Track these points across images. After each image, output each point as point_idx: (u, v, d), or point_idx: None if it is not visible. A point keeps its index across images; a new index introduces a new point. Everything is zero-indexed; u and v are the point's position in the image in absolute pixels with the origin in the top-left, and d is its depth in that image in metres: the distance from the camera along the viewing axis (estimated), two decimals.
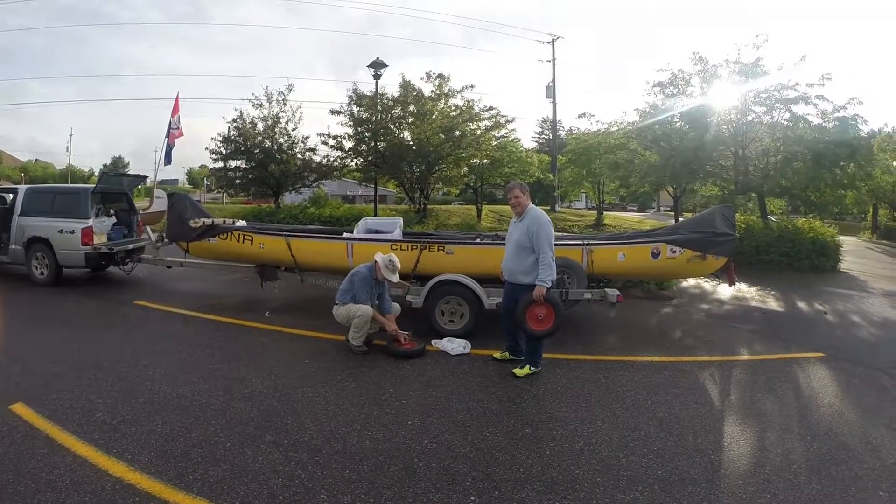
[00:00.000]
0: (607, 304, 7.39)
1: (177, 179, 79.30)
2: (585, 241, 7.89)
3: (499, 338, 6.76)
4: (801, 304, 10.47)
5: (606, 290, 7.33)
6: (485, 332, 7.03)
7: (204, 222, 8.38)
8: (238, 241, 8.30)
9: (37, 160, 78.15)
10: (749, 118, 16.74)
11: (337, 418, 4.53)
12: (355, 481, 3.57)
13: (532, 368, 5.69)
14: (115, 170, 61.18)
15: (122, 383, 5.20)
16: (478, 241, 8.27)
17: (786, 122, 16.26)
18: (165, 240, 9.41)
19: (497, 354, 6.20)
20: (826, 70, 15.52)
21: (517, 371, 5.68)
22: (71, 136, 60.39)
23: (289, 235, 8.26)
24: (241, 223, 9.17)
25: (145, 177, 14.23)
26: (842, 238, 17.00)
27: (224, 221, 8.84)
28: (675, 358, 6.66)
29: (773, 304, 10.42)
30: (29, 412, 4.51)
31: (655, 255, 7.44)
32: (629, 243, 7.85)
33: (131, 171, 61.74)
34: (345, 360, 6.09)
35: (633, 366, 6.31)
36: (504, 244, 7.78)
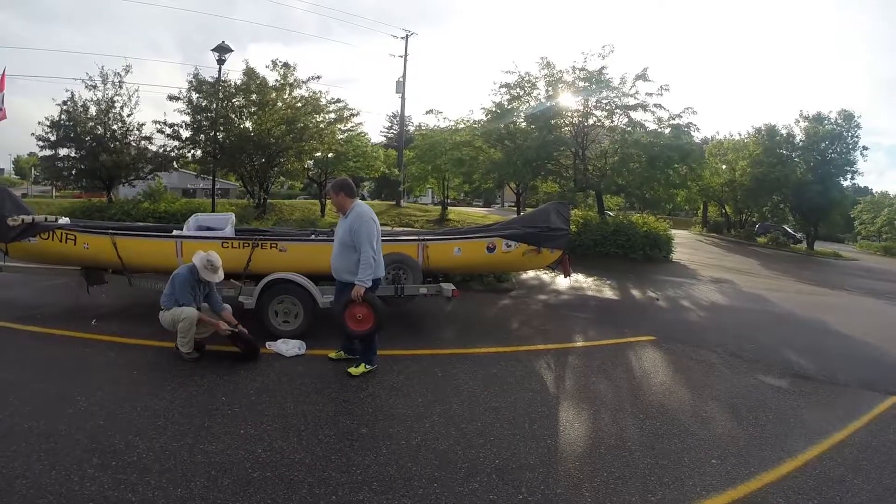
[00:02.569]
0: (443, 299, 7.55)
1: (2, 169, 69.95)
2: (421, 237, 8.07)
3: (335, 336, 6.80)
4: (635, 292, 11.43)
5: (442, 284, 7.53)
6: (321, 331, 7.02)
7: (23, 220, 7.52)
8: (61, 241, 7.56)
9: None
10: (590, 121, 17.99)
11: (167, 433, 4.42)
12: (188, 499, 3.54)
13: (367, 367, 5.75)
14: None
15: None
16: (312, 237, 8.20)
17: (624, 127, 17.59)
18: None
19: (332, 354, 6.20)
20: (665, 81, 17.11)
21: (352, 370, 5.72)
22: None
23: (114, 234, 7.68)
24: (64, 221, 8.35)
25: None
26: (674, 232, 18.71)
27: (45, 219, 8.00)
28: (511, 348, 7.03)
29: (608, 293, 11.26)
30: None
31: (491, 249, 7.68)
32: (464, 238, 8.09)
33: None
34: (175, 368, 5.86)
35: (470, 358, 6.55)
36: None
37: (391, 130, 60.38)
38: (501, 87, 18.94)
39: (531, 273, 11.99)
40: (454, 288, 7.47)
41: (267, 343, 6.54)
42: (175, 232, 8.17)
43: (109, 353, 6.40)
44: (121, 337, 6.91)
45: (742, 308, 10.62)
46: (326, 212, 23.79)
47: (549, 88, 18.16)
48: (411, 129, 36.13)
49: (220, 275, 6.30)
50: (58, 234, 7.58)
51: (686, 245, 21.60)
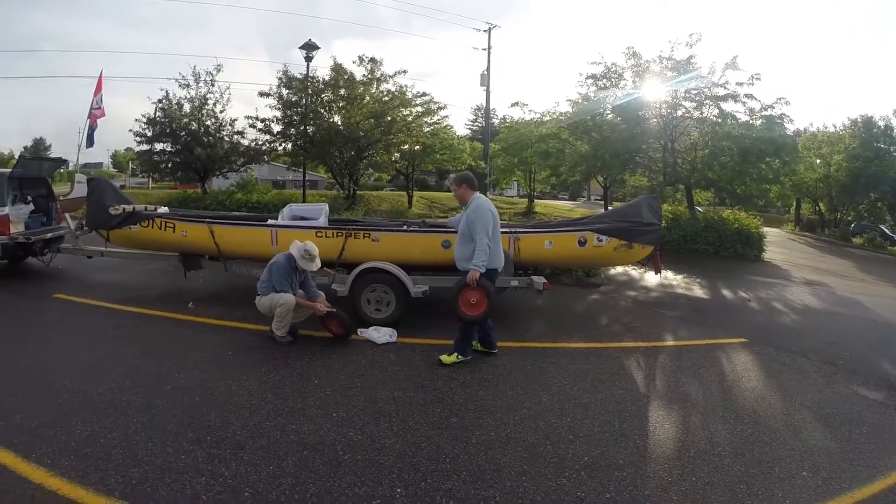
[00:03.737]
0: (534, 292, 7.46)
1: (101, 163, 75.02)
2: (512, 230, 7.97)
3: (426, 325, 6.89)
4: (726, 292, 10.91)
5: (533, 277, 7.44)
6: (412, 320, 7.06)
7: (125, 209, 7.98)
8: (160, 229, 7.95)
9: None
10: (679, 113, 17.26)
11: (261, 412, 4.49)
12: (280, 477, 3.55)
13: (459, 357, 5.75)
14: (36, 152, 57.48)
15: (41, 383, 4.98)
16: (404, 228, 8.25)
17: (714, 118, 16.81)
18: (85, 228, 8.94)
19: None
20: (756, 70, 16.31)
21: (444, 358, 5.73)
22: None
23: (212, 222, 8.00)
24: (164, 210, 8.83)
25: (65, 160, 13.42)
26: (766, 229, 17.80)
27: (145, 208, 8.47)
28: (601, 344, 6.85)
29: (698, 291, 10.81)
30: None
31: (582, 243, 7.51)
32: (556, 231, 7.93)
33: (54, 153, 57.97)
34: (269, 351, 6.02)
35: (560, 353, 6.43)
36: (429, 232, 7.81)
37: (475, 123, 60.47)
38: (588, 78, 18.47)
39: (620, 269, 11.72)
40: (545, 281, 7.37)
41: (359, 330, 6.61)
42: (270, 221, 8.39)
43: (206, 334, 6.65)
44: (216, 319, 7.17)
45: (837, 313, 9.85)
46: (413, 203, 24.04)
47: (636, 79, 17.58)
48: (495, 121, 35.99)
49: (317, 263, 6.47)
50: (157, 222, 7.98)
51: (777, 244, 20.34)
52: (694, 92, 16.86)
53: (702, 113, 17.15)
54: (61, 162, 12.76)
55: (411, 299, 7.01)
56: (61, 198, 11.19)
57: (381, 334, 6.48)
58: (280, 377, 5.28)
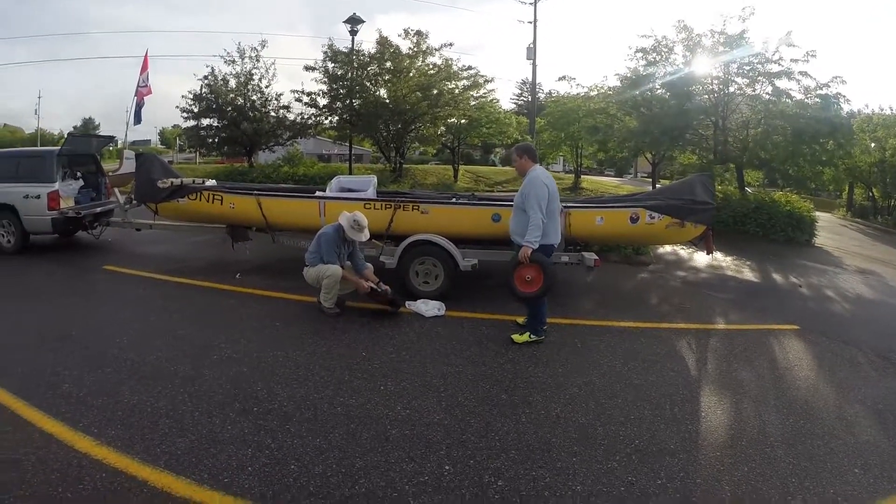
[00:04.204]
0: (584, 268, 7.24)
1: (149, 140, 76.70)
2: (564, 205, 7.73)
3: (474, 299, 6.73)
4: (776, 276, 10.44)
5: (583, 253, 7.23)
6: (460, 294, 6.92)
7: (172, 182, 8.03)
8: (207, 202, 7.95)
9: (4, 125, 75.41)
10: (731, 89, 16.57)
11: (307, 384, 4.41)
12: (326, 450, 3.46)
13: (533, 336, 5.56)
14: (85, 131, 59.31)
15: (89, 353, 5.02)
16: (453, 200, 8.07)
17: (767, 96, 16.08)
18: (134, 202, 9.05)
19: (520, 320, 6.02)
20: (811, 47, 15.44)
21: (515, 337, 5.57)
22: (39, 98, 57.99)
23: (259, 194, 7.96)
24: (211, 183, 8.84)
25: (114, 137, 13.70)
26: (817, 214, 17.06)
27: (193, 181, 8.51)
28: (651, 324, 6.60)
29: (748, 274, 10.38)
30: None
31: (634, 220, 7.28)
32: (608, 207, 7.70)
33: (102, 132, 59.47)
34: (316, 322, 5.95)
35: (610, 331, 6.22)
36: (479, 205, 7.61)
37: (521, 98, 59.48)
38: (637, 51, 17.75)
39: (669, 248, 11.32)
40: (596, 258, 7.15)
41: (407, 302, 6.50)
42: (318, 193, 8.31)
43: (253, 304, 6.63)
44: (263, 290, 7.16)
45: (890, 304, 9.27)
46: (459, 176, 23.85)
47: (687, 53, 16.84)
48: (541, 96, 35.24)
49: (366, 234, 6.38)
50: (205, 195, 7.98)
51: (829, 229, 19.30)
52: (747, 68, 16.11)
53: (754, 90, 16.37)
54: (110, 139, 13.00)
55: (460, 273, 6.86)
56: (110, 173, 11.40)
57: (430, 307, 6.35)
58: (327, 348, 5.20)
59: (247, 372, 4.60)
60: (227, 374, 4.55)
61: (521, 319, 6.00)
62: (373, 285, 6.19)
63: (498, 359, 5.12)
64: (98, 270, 8.45)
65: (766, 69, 15.67)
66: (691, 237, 7.63)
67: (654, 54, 17.38)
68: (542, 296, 5.53)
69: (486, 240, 7.25)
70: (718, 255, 11.30)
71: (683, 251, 11.36)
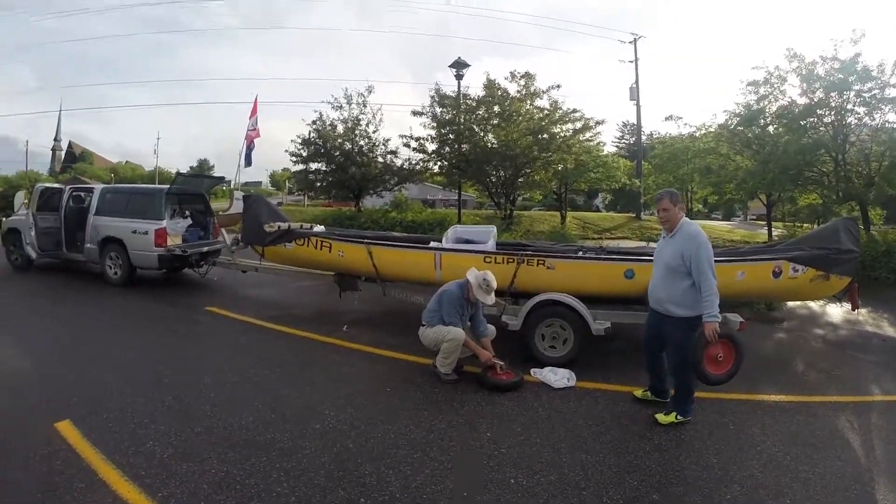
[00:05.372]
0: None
1: (260, 182, 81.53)
2: None
3: (604, 366, 5.98)
4: None
5: (727, 314, 6.26)
6: (590, 360, 6.13)
7: (279, 227, 7.86)
8: (315, 248, 7.69)
9: (126, 162, 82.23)
10: (849, 120, 15.30)
11: (424, 471, 3.73)
12: None
13: (680, 417, 4.74)
14: (199, 171, 63.36)
15: (180, 406, 4.71)
16: (580, 254, 7.37)
17: (891, 125, 14.83)
18: (241, 243, 8.95)
19: (638, 392, 5.29)
20: None
21: (660, 418, 4.76)
22: (158, 139, 63.45)
23: (370, 243, 7.56)
24: (319, 228, 8.62)
25: (223, 178, 14.17)
26: None
27: (301, 226, 8.32)
28: (804, 398, 5.61)
29: (889, 329, 9.02)
30: (74, 433, 4.14)
31: (777, 274, 6.45)
32: (748, 261, 6.82)
33: (216, 172, 63.51)
34: (432, 390, 5.29)
35: (762, 407, 5.29)
36: (610, 260, 6.84)
37: (622, 140, 58.28)
38: (748, 85, 16.85)
39: (799, 301, 9.96)
40: (742, 320, 6.29)
41: (532, 370, 5.78)
42: (433, 244, 7.83)
43: (361, 363, 6.11)
44: (373, 347, 6.64)
45: None
46: (567, 223, 23.20)
47: (804, 83, 15.68)
48: (645, 137, 34.12)
49: (493, 298, 5.80)
50: (313, 241, 7.73)
51: None
52: (866, 95, 14.78)
53: (873, 119, 15.11)
54: (219, 179, 13.45)
55: (591, 336, 6.07)
56: (220, 213, 11.61)
57: (559, 377, 5.59)
58: (445, 425, 4.51)
59: (353, 449, 4.00)
60: (330, 450, 3.97)
61: (639, 392, 5.29)
62: (496, 360, 5.53)
63: (642, 445, 4.30)
64: (200, 311, 8.40)
65: (884, 94, 14.37)
66: (835, 291, 6.89)
67: (767, 86, 16.50)
68: (733, 375, 5.06)
69: (617, 299, 6.53)
70: (849, 306, 10.06)
71: (814, 304, 10.13)
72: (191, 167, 74.69)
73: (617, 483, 3.72)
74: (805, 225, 18.80)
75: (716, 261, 6.71)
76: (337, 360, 6.16)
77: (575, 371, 5.73)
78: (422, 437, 4.23)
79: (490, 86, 19.75)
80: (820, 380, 6.29)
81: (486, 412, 4.79)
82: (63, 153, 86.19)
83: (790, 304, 9.95)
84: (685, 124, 20.86)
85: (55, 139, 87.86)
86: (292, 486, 3.46)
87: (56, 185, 12.63)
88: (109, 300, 9.06)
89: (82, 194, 11.39)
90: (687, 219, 4.84)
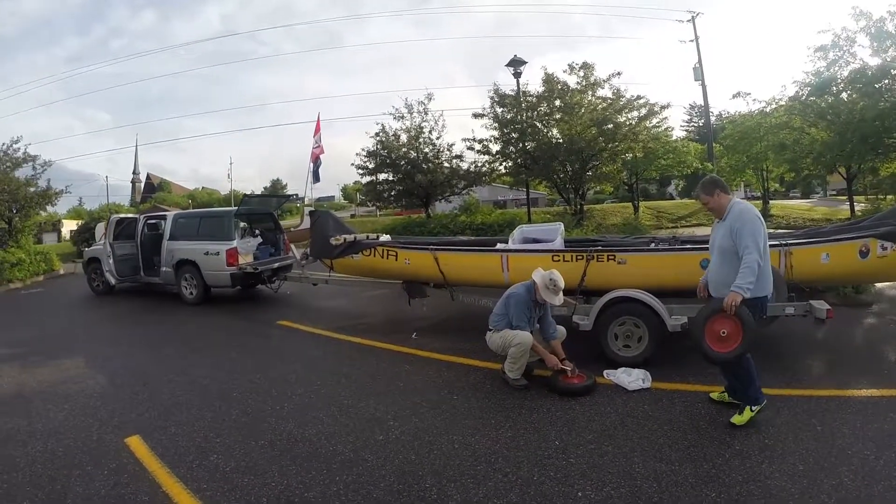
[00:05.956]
0: (811, 321, 5.85)
1: (333, 196, 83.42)
2: (782, 241, 6.34)
3: (681, 365, 5.60)
4: None
5: (812, 303, 5.76)
6: (665, 358, 5.76)
7: (345, 239, 7.94)
8: (382, 257, 7.72)
9: (203, 188, 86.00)
10: None
11: (487, 483, 3.53)
12: None
13: (753, 409, 4.36)
14: (273, 191, 65.43)
15: (246, 419, 4.75)
16: (652, 246, 7.02)
17: None
18: (310, 257, 9.14)
19: (714, 394, 4.91)
20: None
21: (736, 419, 4.36)
22: (231, 163, 65.42)
23: (436, 249, 7.48)
24: (385, 238, 8.61)
25: (291, 195, 14.63)
26: None
27: (367, 237, 8.37)
28: None
29: None
30: (142, 448, 4.27)
31: (864, 253, 5.90)
32: (832, 241, 6.29)
33: (289, 190, 65.42)
34: (500, 396, 5.09)
35: (851, 404, 4.76)
36: (684, 250, 6.46)
37: (690, 123, 56.00)
38: (816, 51, 15.89)
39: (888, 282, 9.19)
40: (829, 307, 5.66)
41: (605, 372, 5.47)
42: (499, 245, 7.66)
43: (429, 371, 5.97)
44: (441, 354, 6.50)
45: None
46: (640, 213, 22.70)
47: (874, 42, 14.65)
48: (712, 118, 32.69)
49: (561, 298, 5.51)
50: (379, 250, 7.76)
51: None
52: None
53: None
54: (287, 197, 13.92)
55: (667, 334, 5.71)
56: (292, 229, 11.90)
57: (633, 378, 5.26)
58: (512, 433, 4.30)
59: (415, 461, 3.86)
60: (392, 462, 3.85)
61: (715, 394, 4.89)
62: (566, 364, 5.27)
63: (722, 451, 3.92)
64: (272, 325, 8.56)
65: None
66: None
67: (836, 50, 15.58)
68: (737, 359, 4.35)
69: (694, 291, 6.08)
70: None
71: None
72: (264, 187, 77.64)
73: (693, 496, 3.39)
74: (889, 196, 17.66)
75: (796, 243, 6.29)
76: (405, 369, 6.06)
77: (650, 371, 5.39)
78: (487, 447, 4.04)
79: (549, 80, 19.37)
80: None
81: (556, 419, 4.55)
82: (143, 185, 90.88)
83: (879, 284, 9.14)
84: (754, 100, 20.01)
85: (133, 172, 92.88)
86: (350, 499, 3.38)
87: (130, 215, 13.39)
88: (186, 319, 9.39)
89: (157, 221, 11.95)
90: (737, 199, 4.49)
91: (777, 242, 6.32)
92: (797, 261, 6.02)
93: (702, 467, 3.73)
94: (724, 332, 4.31)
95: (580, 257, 6.40)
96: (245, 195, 14.13)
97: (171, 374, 6.18)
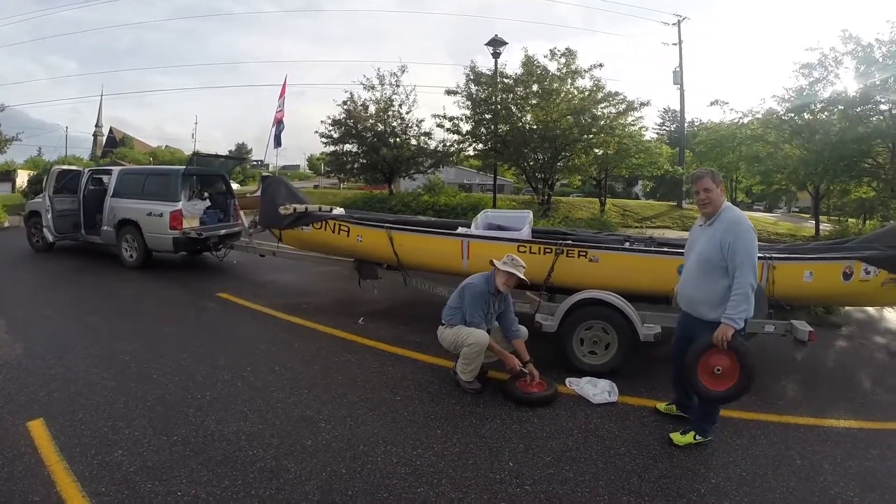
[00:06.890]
0: (791, 342, 5.49)
1: (298, 165, 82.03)
2: (766, 254, 5.99)
3: (651, 378, 5.24)
4: None
5: (794, 322, 5.48)
6: (635, 369, 5.39)
7: (295, 209, 7.33)
8: (333, 232, 7.12)
9: (167, 146, 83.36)
10: None
11: None
12: None
13: (698, 438, 4.03)
14: (238, 155, 64.18)
15: (162, 408, 4.23)
16: (627, 245, 6.63)
17: None
18: (258, 226, 8.45)
19: (661, 406, 4.58)
20: None
21: (676, 437, 4.04)
22: (196, 123, 63.53)
23: (391, 228, 6.92)
24: (339, 211, 8.06)
25: (244, 159, 13.90)
26: None
27: (319, 209, 7.76)
28: (876, 424, 4.78)
29: None
30: (44, 435, 3.79)
31: (847, 276, 5.68)
32: (817, 259, 6.04)
33: (254, 156, 63.97)
34: (449, 401, 4.60)
35: (829, 434, 4.49)
36: (664, 253, 6.08)
37: (663, 127, 56.56)
38: (801, 67, 15.92)
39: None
40: (811, 329, 5.36)
41: (567, 380, 5.05)
42: (461, 230, 7.15)
43: (372, 363, 5.47)
44: (388, 344, 6.02)
45: None
46: (607, 210, 22.48)
47: (860, 66, 14.74)
48: (685, 125, 32.96)
49: (522, 272, 4.94)
50: (331, 224, 7.19)
51: None
52: None
53: None
54: (240, 160, 13.03)
55: (638, 342, 5.31)
56: (248, 195, 11.24)
57: (599, 390, 4.85)
58: (460, 448, 3.81)
59: (345, 476, 3.36)
60: (318, 475, 3.35)
61: (662, 406, 4.63)
62: (523, 370, 4.80)
63: (697, 485, 3.53)
64: (211, 297, 8.03)
65: None
66: None
67: (821, 69, 15.64)
68: (733, 398, 4.00)
69: (668, 299, 5.71)
70: None
71: (871, 308, 9.21)
72: (229, 150, 75.45)
73: None
74: (851, 220, 17.96)
75: (781, 257, 5.96)
76: (347, 359, 5.54)
77: (617, 383, 4.99)
78: (430, 465, 3.55)
79: (528, 62, 18.83)
80: (891, 402, 5.43)
81: (511, 434, 4.08)
82: (104, 138, 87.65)
83: (847, 307, 9.03)
84: (731, 110, 20.00)
85: (96, 125, 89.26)
86: None
87: (74, 168, 12.47)
88: (122, 284, 8.76)
89: (102, 176, 11.11)
90: (730, 204, 4.04)
91: (762, 255, 6.01)
92: (780, 276, 5.72)
93: (675, 501, 3.34)
94: (718, 369, 3.93)
95: (549, 250, 5.94)
96: (194, 153, 13.16)
97: (93, 346, 5.62)
